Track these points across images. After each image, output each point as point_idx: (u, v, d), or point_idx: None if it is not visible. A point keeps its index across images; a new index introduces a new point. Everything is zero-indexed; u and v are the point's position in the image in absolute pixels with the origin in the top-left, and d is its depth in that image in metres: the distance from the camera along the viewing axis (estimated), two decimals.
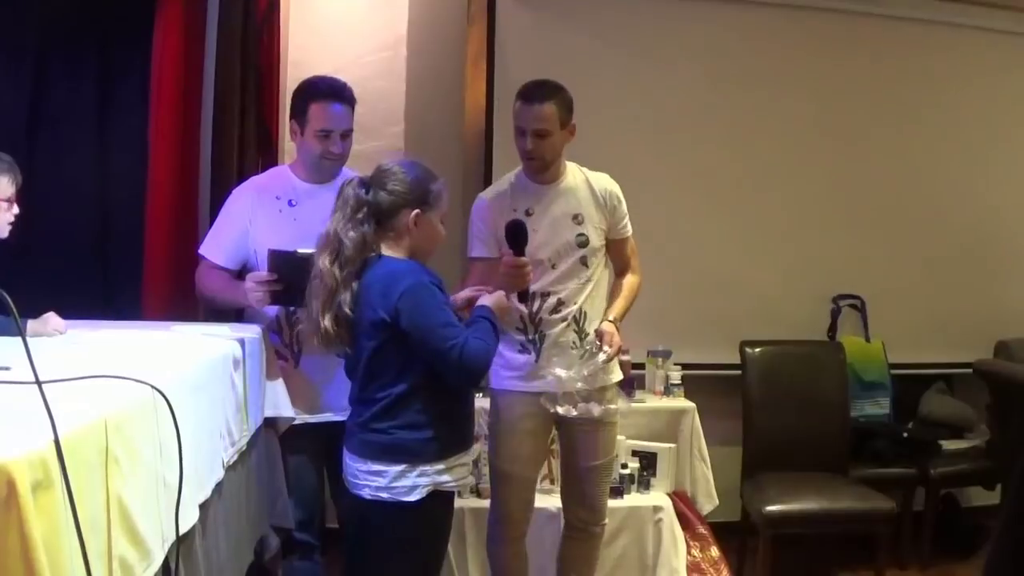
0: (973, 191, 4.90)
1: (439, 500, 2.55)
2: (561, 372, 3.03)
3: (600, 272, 3.22)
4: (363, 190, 2.54)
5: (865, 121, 4.73)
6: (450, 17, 4.36)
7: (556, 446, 3.51)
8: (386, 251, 2.55)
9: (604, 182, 3.24)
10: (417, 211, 2.55)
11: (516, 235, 2.90)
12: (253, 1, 3.70)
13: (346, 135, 3.10)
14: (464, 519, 3.64)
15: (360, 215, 2.52)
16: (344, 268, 2.50)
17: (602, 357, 3.05)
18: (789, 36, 4.62)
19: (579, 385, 3.04)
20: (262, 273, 2.91)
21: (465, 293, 2.76)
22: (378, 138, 4.29)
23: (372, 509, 2.54)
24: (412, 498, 2.49)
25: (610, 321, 3.14)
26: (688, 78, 4.53)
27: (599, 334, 3.10)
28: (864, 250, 4.74)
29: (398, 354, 2.48)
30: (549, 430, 3.28)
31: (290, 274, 2.81)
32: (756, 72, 4.58)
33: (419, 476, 2.50)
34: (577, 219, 3.15)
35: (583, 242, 3.15)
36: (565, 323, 3.12)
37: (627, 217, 3.26)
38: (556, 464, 3.65)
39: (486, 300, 2.64)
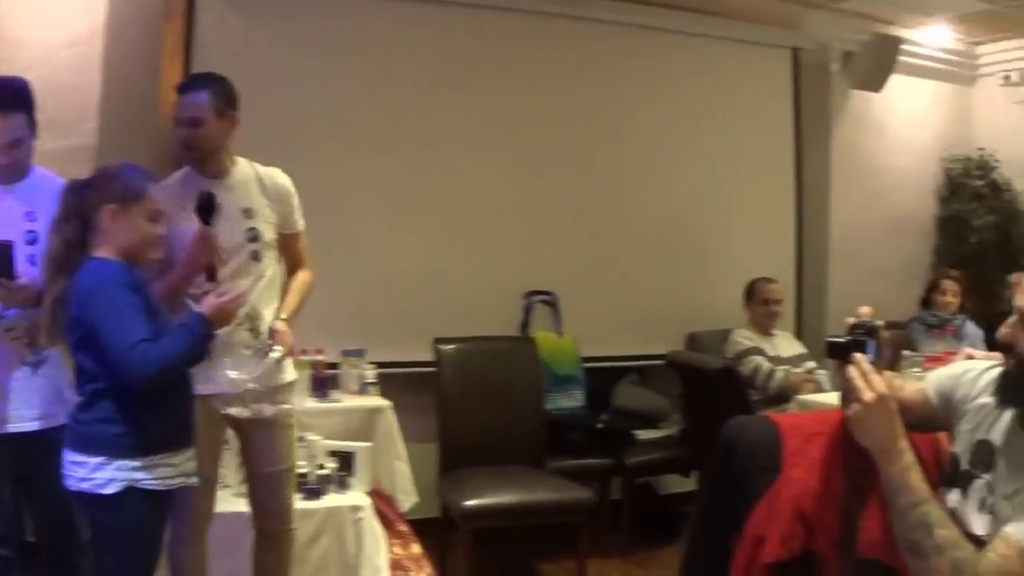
0: (662, 192, 5.19)
1: (139, 497, 2.49)
2: (232, 373, 3.00)
3: (273, 268, 3.17)
4: (70, 193, 2.57)
5: (557, 121, 4.93)
6: (150, 8, 4.23)
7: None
8: (97, 253, 2.53)
9: (275, 175, 3.20)
10: (113, 206, 2.53)
11: (205, 207, 2.84)
12: None
13: (15, 144, 2.94)
14: None
15: (64, 216, 2.55)
16: (50, 268, 2.56)
17: (275, 356, 3.03)
18: (484, 36, 4.79)
19: (250, 385, 3.02)
20: None
21: (161, 285, 2.78)
22: (69, 135, 4.05)
23: (78, 501, 2.54)
24: (107, 491, 2.47)
25: (283, 319, 3.10)
26: (387, 79, 4.60)
27: (271, 333, 3.06)
28: (555, 247, 4.92)
29: (91, 350, 2.48)
30: (223, 430, 3.18)
31: None
32: (452, 73, 4.72)
33: (116, 470, 2.47)
34: (247, 213, 3.08)
35: (253, 236, 3.09)
36: (237, 322, 2.98)
37: (299, 211, 3.23)
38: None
39: (200, 306, 2.62)
